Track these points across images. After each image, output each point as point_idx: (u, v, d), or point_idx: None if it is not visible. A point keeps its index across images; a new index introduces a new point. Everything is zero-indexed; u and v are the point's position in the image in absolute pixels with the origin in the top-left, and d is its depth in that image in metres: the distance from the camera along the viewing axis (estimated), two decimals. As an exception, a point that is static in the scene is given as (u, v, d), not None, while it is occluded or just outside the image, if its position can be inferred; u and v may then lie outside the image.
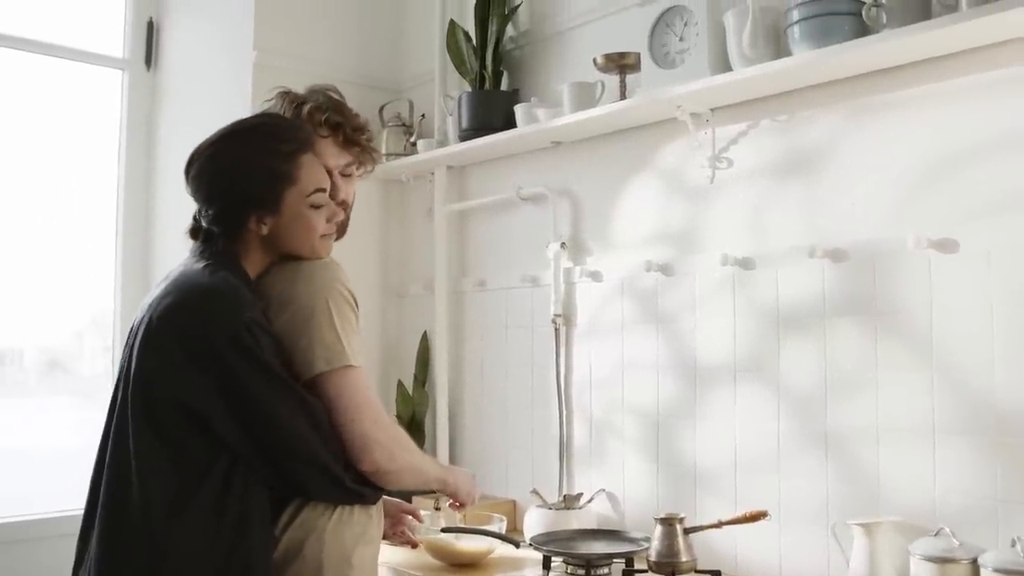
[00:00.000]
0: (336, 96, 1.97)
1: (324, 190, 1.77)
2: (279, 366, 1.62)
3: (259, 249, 1.74)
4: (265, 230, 1.71)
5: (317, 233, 1.76)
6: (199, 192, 1.74)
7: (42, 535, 2.85)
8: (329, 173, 1.85)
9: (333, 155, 1.89)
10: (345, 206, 1.91)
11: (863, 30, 2.01)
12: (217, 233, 1.73)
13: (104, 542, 1.58)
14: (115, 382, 1.71)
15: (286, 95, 1.94)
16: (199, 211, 1.75)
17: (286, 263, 1.77)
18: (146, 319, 1.63)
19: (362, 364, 1.72)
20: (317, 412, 1.64)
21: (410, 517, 2.23)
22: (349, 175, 1.93)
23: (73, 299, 3.29)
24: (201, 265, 1.69)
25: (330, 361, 1.67)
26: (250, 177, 1.70)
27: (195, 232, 1.77)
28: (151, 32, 3.37)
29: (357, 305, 1.76)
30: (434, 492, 2.09)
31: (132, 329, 1.71)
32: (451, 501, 2.07)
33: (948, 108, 2.00)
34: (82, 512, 1.67)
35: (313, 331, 1.67)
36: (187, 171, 1.76)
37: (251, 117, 1.87)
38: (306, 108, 1.90)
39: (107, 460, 1.62)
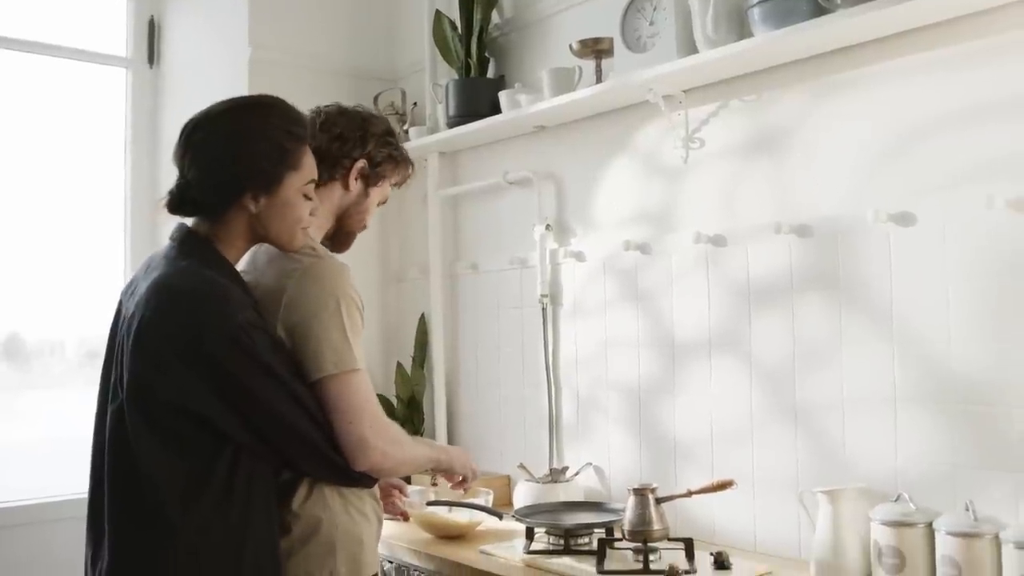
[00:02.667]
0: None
1: (315, 183, 1.81)
2: (276, 362, 1.65)
3: (242, 232, 1.73)
4: (256, 209, 1.70)
5: (301, 224, 1.77)
6: (201, 159, 1.69)
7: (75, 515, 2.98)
8: (383, 201, 2.05)
9: (391, 183, 2.05)
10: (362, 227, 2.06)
11: (821, 10, 2.05)
12: (205, 207, 1.71)
13: (118, 546, 1.62)
14: (102, 373, 1.74)
15: (364, 120, 2.01)
16: (187, 181, 1.70)
17: (288, 259, 1.79)
18: (135, 321, 1.64)
19: (363, 367, 1.77)
20: (313, 406, 1.69)
21: (397, 491, 2.34)
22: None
23: (109, 289, 3.40)
24: (185, 263, 1.68)
25: (338, 364, 1.71)
26: (260, 151, 1.69)
27: (174, 205, 1.72)
28: (152, 30, 3.48)
29: (363, 308, 1.82)
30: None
31: (120, 322, 1.72)
32: (451, 480, 2.13)
33: (905, 85, 2.04)
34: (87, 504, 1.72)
35: (322, 333, 1.71)
36: (189, 137, 1.71)
37: (261, 95, 1.81)
38: (391, 138, 2.02)
39: (107, 462, 1.65)
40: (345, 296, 1.75)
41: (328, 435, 1.70)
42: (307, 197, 1.77)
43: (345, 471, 1.74)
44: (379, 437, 1.75)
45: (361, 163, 1.96)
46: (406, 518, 2.41)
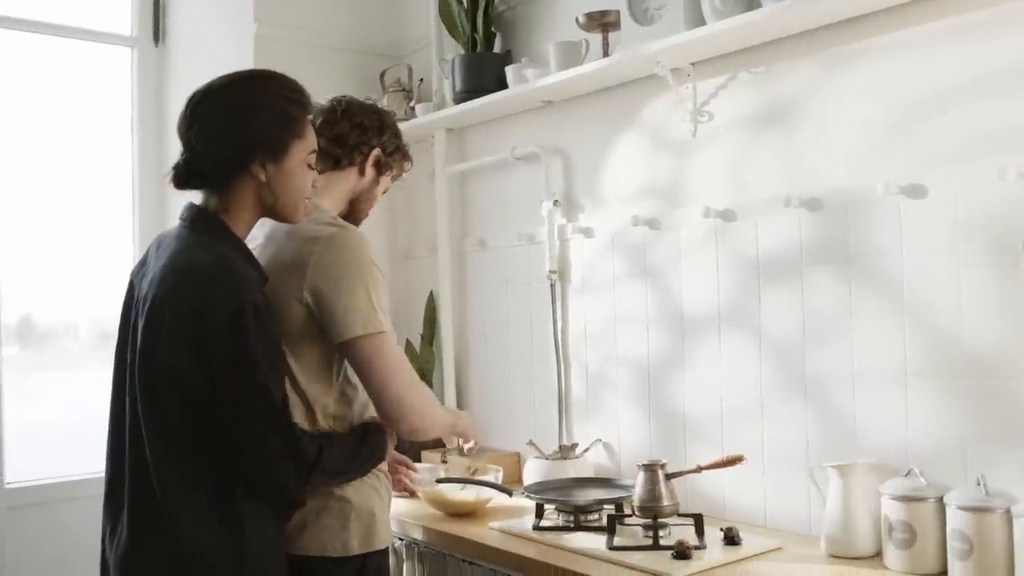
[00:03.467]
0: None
1: (316, 153, 1.82)
2: (262, 357, 1.62)
3: (249, 204, 1.73)
4: (264, 177, 1.71)
5: (304, 194, 1.79)
6: (206, 130, 1.70)
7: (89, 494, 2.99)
8: (385, 190, 2.19)
9: (393, 175, 2.19)
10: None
11: (830, -20, 2.02)
12: (212, 179, 1.71)
13: (133, 525, 1.63)
14: (116, 355, 1.74)
15: (379, 113, 2.15)
16: (194, 153, 1.70)
17: (310, 229, 1.85)
18: (147, 302, 1.64)
19: (391, 329, 1.85)
20: (281, 411, 1.65)
21: (404, 468, 2.36)
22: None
23: (120, 270, 3.40)
24: (197, 239, 1.69)
25: (366, 326, 1.79)
26: (265, 119, 1.70)
27: (181, 179, 1.72)
28: (157, 8, 3.46)
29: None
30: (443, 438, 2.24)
31: (134, 303, 1.72)
32: (467, 444, 2.23)
33: (915, 55, 2.01)
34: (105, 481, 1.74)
35: (349, 297, 1.79)
36: (194, 109, 1.72)
37: (260, 69, 1.86)
38: (398, 131, 2.17)
39: (127, 444, 1.66)
40: (369, 263, 1.84)
41: (279, 443, 1.64)
42: (310, 167, 1.79)
43: (274, 487, 1.68)
44: (415, 397, 1.85)
45: (377, 151, 2.09)
46: (413, 494, 2.42)
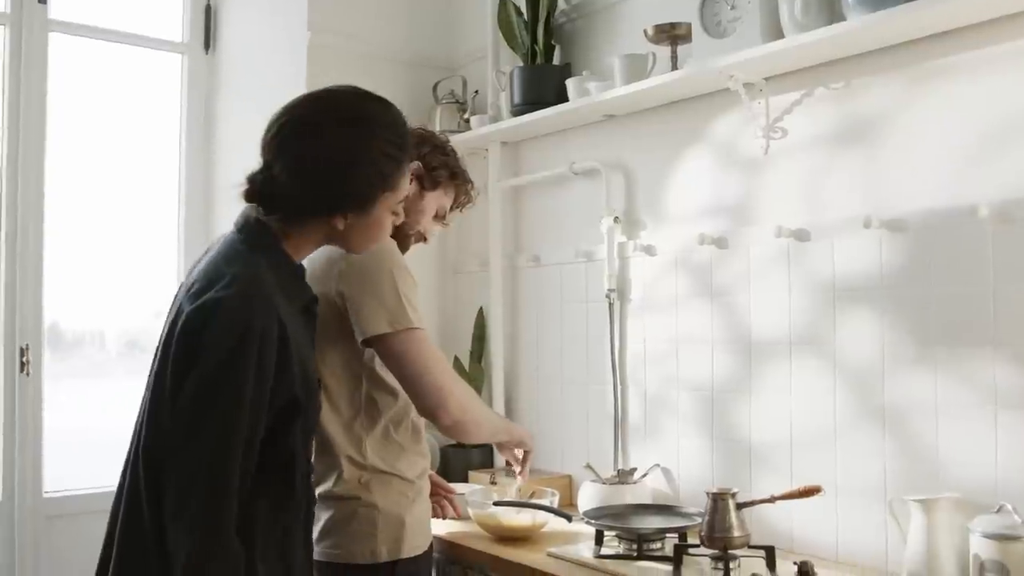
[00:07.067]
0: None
1: (406, 199, 1.71)
2: (258, 396, 1.44)
3: (317, 239, 1.63)
4: (343, 226, 1.59)
5: (380, 238, 1.69)
6: (295, 167, 1.54)
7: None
8: (440, 215, 2.18)
9: (448, 199, 2.18)
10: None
11: (921, -8, 1.94)
12: (288, 209, 1.56)
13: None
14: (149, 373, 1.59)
15: (424, 137, 2.15)
16: (273, 177, 1.54)
17: None
18: (176, 309, 1.52)
19: (425, 328, 1.88)
20: (228, 474, 1.41)
21: (443, 490, 2.33)
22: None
23: (150, 279, 3.36)
24: (238, 248, 1.55)
25: (393, 323, 1.83)
26: (361, 176, 1.58)
27: (254, 197, 1.57)
28: (209, 16, 3.43)
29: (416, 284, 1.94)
30: (500, 443, 2.23)
31: (176, 300, 1.58)
32: (513, 457, 2.23)
33: (1010, 71, 1.92)
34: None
35: (376, 297, 1.84)
36: (286, 138, 1.56)
37: (367, 104, 1.65)
38: (449, 151, 2.18)
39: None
40: (397, 266, 1.88)
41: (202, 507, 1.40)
42: (396, 213, 1.67)
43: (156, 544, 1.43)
44: (457, 386, 1.88)
45: (415, 164, 2.05)
46: (458, 516, 2.36)
